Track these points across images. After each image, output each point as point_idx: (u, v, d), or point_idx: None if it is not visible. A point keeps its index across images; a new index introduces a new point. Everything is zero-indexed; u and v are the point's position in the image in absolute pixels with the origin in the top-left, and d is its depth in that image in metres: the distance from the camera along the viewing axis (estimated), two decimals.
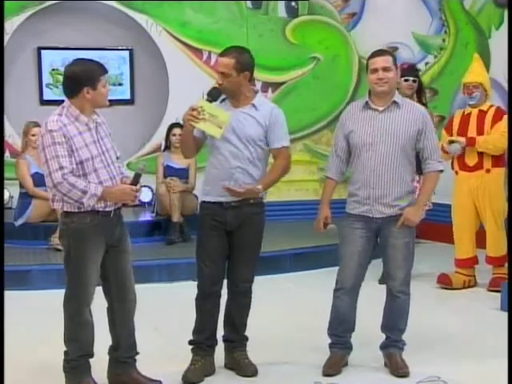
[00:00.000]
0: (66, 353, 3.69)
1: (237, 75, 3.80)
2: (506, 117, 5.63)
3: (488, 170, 5.69)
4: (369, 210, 3.93)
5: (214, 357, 4.03)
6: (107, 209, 3.60)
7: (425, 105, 5.94)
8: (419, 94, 5.98)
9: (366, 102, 3.94)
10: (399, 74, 4.05)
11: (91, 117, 3.62)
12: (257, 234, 3.98)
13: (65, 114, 3.55)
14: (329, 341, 4.08)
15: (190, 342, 4.02)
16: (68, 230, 3.62)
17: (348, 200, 4.03)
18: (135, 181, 3.65)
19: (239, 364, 4.01)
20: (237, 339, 4.05)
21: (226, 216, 3.88)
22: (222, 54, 3.87)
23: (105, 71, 3.62)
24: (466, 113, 5.81)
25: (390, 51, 4.17)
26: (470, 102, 5.76)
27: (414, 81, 5.89)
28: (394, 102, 3.91)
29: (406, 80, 5.85)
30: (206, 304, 3.96)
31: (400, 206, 3.92)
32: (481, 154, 5.69)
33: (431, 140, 3.95)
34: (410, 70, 6.02)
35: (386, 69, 3.84)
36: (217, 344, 4.05)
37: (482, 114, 5.70)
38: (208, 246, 3.92)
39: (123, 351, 3.80)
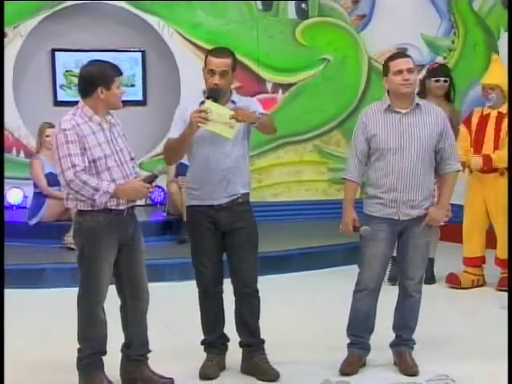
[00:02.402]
0: (79, 350, 3.73)
1: (231, 74, 3.84)
2: None
3: (502, 173, 5.64)
4: (395, 213, 3.92)
5: (225, 354, 4.07)
6: (120, 207, 3.63)
7: (452, 103, 5.95)
8: (448, 93, 5.94)
9: (389, 105, 3.92)
10: (418, 75, 4.04)
11: (105, 117, 3.66)
12: (252, 232, 3.96)
13: (79, 114, 3.60)
14: (347, 341, 4.09)
15: (204, 342, 4.05)
16: (81, 229, 3.65)
17: (369, 202, 4.00)
18: (150, 180, 3.68)
19: (260, 368, 3.95)
20: (254, 343, 4.01)
21: (219, 217, 3.87)
22: (217, 55, 3.84)
23: (120, 73, 3.66)
24: (484, 113, 5.75)
25: (408, 54, 4.17)
26: (488, 104, 5.72)
27: (445, 81, 5.86)
28: (417, 105, 3.91)
29: (436, 80, 5.84)
30: (212, 305, 3.99)
31: (424, 206, 3.94)
32: None
33: (450, 140, 3.97)
34: (441, 70, 5.98)
35: (410, 70, 3.85)
36: (228, 341, 4.06)
37: (501, 117, 5.65)
38: (206, 248, 3.92)
39: (135, 349, 3.83)
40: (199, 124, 3.67)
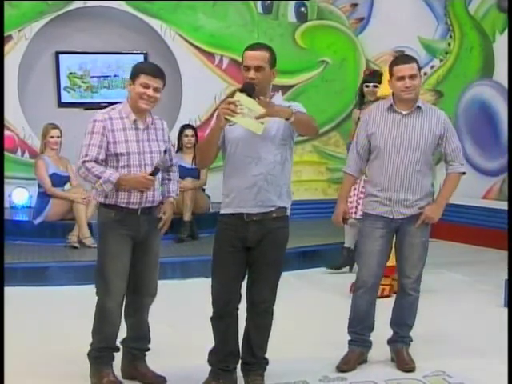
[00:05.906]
0: (91, 343, 3.76)
1: (269, 70, 3.51)
2: None
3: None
4: (389, 212, 3.96)
5: (229, 382, 3.76)
6: (131, 206, 3.65)
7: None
8: None
9: (391, 105, 3.96)
10: (421, 79, 4.06)
11: (144, 117, 3.69)
12: (279, 251, 3.66)
13: (118, 109, 3.69)
14: (348, 338, 4.14)
15: (208, 361, 3.81)
16: (98, 223, 3.77)
17: (366, 200, 4.07)
18: (153, 173, 3.68)
19: None
20: (252, 362, 3.75)
21: (247, 231, 3.55)
22: (252, 48, 3.53)
23: (148, 73, 3.64)
24: None
25: (414, 57, 4.13)
26: None
27: (374, 86, 5.96)
28: (418, 107, 3.94)
29: (366, 86, 6.00)
30: (219, 325, 3.69)
31: (419, 205, 3.97)
32: None
33: (453, 143, 3.99)
34: (372, 76, 6.11)
35: (412, 76, 3.86)
36: (231, 370, 3.77)
37: None
38: (224, 264, 3.61)
39: (131, 341, 3.85)
40: (227, 116, 3.35)
